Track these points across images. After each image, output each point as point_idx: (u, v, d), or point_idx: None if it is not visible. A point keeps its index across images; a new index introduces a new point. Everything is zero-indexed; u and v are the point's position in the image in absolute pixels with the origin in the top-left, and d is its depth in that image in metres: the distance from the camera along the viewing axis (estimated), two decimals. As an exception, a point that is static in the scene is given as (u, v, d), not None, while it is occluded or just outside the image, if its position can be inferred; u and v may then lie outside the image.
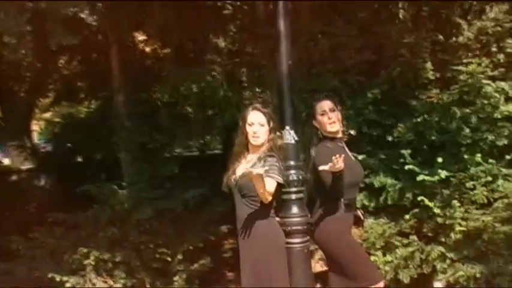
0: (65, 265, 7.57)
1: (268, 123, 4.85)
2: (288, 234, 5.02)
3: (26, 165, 12.98)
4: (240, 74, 7.47)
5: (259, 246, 4.74)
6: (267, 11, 7.34)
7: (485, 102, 6.38)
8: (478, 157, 6.20)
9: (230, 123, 6.97)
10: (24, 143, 12.53)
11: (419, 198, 6.23)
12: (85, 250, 7.50)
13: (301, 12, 7.11)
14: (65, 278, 7.29)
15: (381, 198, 6.56)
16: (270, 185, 4.55)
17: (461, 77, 6.35)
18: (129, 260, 7.61)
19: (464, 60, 6.52)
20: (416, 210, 6.38)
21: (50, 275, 7.24)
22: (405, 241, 6.41)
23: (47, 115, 14.38)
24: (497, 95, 6.39)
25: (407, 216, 6.43)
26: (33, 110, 13.17)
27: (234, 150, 4.97)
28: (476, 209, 6.25)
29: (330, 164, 4.38)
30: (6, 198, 10.29)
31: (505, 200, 6.13)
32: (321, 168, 4.58)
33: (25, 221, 8.82)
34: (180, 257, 7.72)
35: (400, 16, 7.04)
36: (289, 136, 5.14)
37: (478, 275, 6.15)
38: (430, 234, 6.39)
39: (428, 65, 6.57)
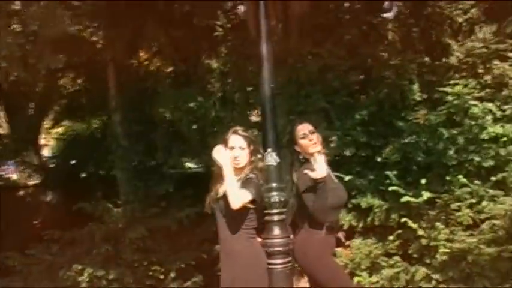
0: (60, 281, 7.69)
1: (249, 146, 4.92)
2: (269, 255, 5.03)
3: (33, 180, 13.21)
4: (232, 94, 7.56)
5: (240, 266, 4.79)
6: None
7: (473, 123, 6.40)
8: (463, 178, 6.21)
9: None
10: (30, 159, 12.76)
11: (402, 220, 6.24)
12: (79, 267, 7.61)
13: (291, 33, 7.19)
14: (59, 295, 7.42)
15: (368, 219, 6.58)
16: (244, 195, 4.63)
17: (449, 98, 6.37)
18: (122, 277, 7.70)
19: (452, 82, 6.54)
20: (401, 231, 6.39)
21: (45, 291, 7.37)
22: (391, 262, 6.42)
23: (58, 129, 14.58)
24: (484, 115, 6.40)
25: (391, 237, 6.44)
26: (40, 126, 13.37)
27: (215, 172, 5.03)
28: (462, 230, 6.24)
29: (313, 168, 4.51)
30: (10, 214, 10.44)
31: (492, 222, 6.12)
32: (305, 171, 4.68)
33: (25, 237, 8.96)
34: (173, 274, 7.80)
35: (389, 37, 7.08)
36: (271, 158, 5.17)
37: (463, 297, 6.14)
38: (415, 255, 6.39)
39: (415, 86, 6.61)
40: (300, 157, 5.11)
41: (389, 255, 6.51)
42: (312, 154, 5.00)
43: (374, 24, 7.28)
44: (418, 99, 6.68)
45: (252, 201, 4.72)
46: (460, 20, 7.25)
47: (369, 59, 6.81)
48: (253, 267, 4.83)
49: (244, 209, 4.72)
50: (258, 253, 4.93)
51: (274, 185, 5.17)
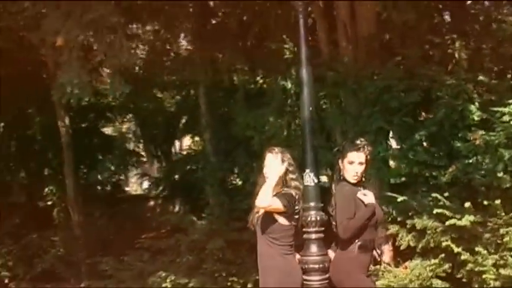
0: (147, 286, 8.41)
1: (282, 162, 5.17)
2: (306, 271, 5.25)
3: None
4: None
5: (273, 282, 5.06)
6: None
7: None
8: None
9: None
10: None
11: (445, 243, 6.12)
12: (163, 274, 8.26)
13: (359, 55, 7.37)
14: (144, 299, 8.15)
15: (423, 241, 6.52)
16: (274, 202, 4.83)
17: (505, 118, 6.17)
18: (203, 285, 8.21)
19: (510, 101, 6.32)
20: (445, 254, 6.26)
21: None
22: (439, 285, 6.29)
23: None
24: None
25: (435, 260, 6.32)
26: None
27: (256, 191, 5.35)
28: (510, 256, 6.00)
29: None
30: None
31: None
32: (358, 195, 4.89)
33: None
34: (250, 285, 8.16)
35: (456, 56, 6.98)
36: (309, 179, 5.39)
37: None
38: (464, 279, 6.23)
39: (473, 106, 6.47)
40: (341, 173, 5.25)
41: (441, 278, 6.40)
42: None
43: (437, 44, 7.23)
44: (477, 118, 6.54)
45: (282, 213, 4.89)
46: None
47: (426, 79, 6.75)
48: (287, 283, 5.07)
49: (273, 222, 4.95)
50: (292, 269, 5.15)
51: (312, 204, 5.35)
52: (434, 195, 6.28)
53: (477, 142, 6.31)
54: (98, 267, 9.32)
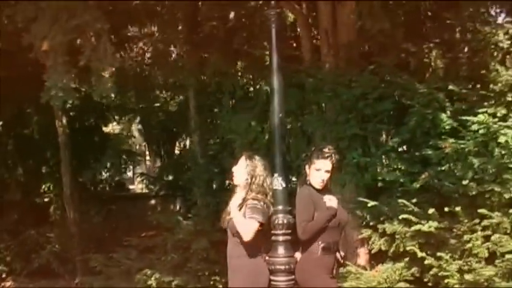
0: (134, 284, 8.64)
1: (246, 167, 5.36)
2: (272, 272, 5.44)
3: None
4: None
5: (242, 282, 5.28)
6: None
7: (503, 152, 6.29)
8: (481, 209, 6.11)
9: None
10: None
11: (409, 248, 6.29)
12: (149, 272, 8.49)
13: (339, 62, 7.56)
14: (130, 295, 8.40)
15: (394, 245, 6.68)
16: (251, 225, 5.11)
17: (474, 127, 6.32)
18: (186, 284, 8.43)
19: (480, 110, 6.47)
20: (409, 258, 6.42)
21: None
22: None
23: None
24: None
25: (402, 264, 6.49)
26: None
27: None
28: (477, 262, 6.14)
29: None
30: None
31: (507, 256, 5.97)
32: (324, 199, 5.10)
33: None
34: (231, 285, 8.36)
35: (432, 64, 7.13)
36: (278, 183, 5.58)
37: None
38: (430, 284, 6.38)
39: (444, 115, 6.62)
40: (307, 178, 5.44)
41: (409, 281, 6.56)
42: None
43: (414, 52, 7.39)
44: (447, 127, 6.69)
45: (261, 225, 5.11)
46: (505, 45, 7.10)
47: (398, 87, 6.91)
48: (254, 283, 5.27)
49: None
50: (260, 270, 5.35)
51: (280, 207, 5.49)
52: (400, 201, 6.44)
53: (446, 150, 6.46)
54: (89, 264, 9.57)
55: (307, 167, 5.37)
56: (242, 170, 5.35)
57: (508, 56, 7.15)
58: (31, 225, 11.71)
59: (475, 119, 6.34)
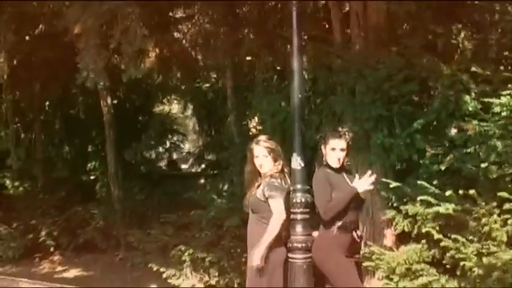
0: (169, 259, 8.98)
1: (270, 154, 5.55)
2: (290, 250, 5.61)
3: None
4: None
5: (260, 258, 5.47)
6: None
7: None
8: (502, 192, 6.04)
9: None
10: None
11: (426, 229, 6.29)
12: (183, 248, 8.79)
13: (369, 44, 7.58)
14: (162, 269, 8.70)
15: (416, 226, 6.69)
16: (277, 206, 5.26)
17: (497, 109, 6.25)
18: (219, 260, 8.69)
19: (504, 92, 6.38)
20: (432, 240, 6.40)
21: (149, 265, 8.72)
22: (425, 270, 6.45)
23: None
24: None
25: (420, 246, 6.49)
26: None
27: (246, 178, 5.70)
28: (496, 245, 6.08)
29: None
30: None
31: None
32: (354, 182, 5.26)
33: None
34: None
35: (460, 46, 7.05)
36: (296, 162, 5.73)
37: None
38: (448, 266, 6.37)
39: (467, 97, 6.56)
40: (323, 159, 5.57)
41: (429, 263, 6.56)
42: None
43: (441, 34, 7.31)
44: (471, 109, 6.63)
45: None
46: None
47: (424, 70, 6.87)
48: (272, 260, 5.44)
49: (263, 203, 5.33)
50: (278, 247, 5.51)
51: (298, 186, 5.65)
52: (419, 182, 6.45)
53: (469, 132, 6.42)
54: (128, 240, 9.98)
55: (322, 147, 5.54)
56: (267, 158, 5.50)
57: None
58: (77, 202, 12.30)
59: (497, 101, 6.28)
